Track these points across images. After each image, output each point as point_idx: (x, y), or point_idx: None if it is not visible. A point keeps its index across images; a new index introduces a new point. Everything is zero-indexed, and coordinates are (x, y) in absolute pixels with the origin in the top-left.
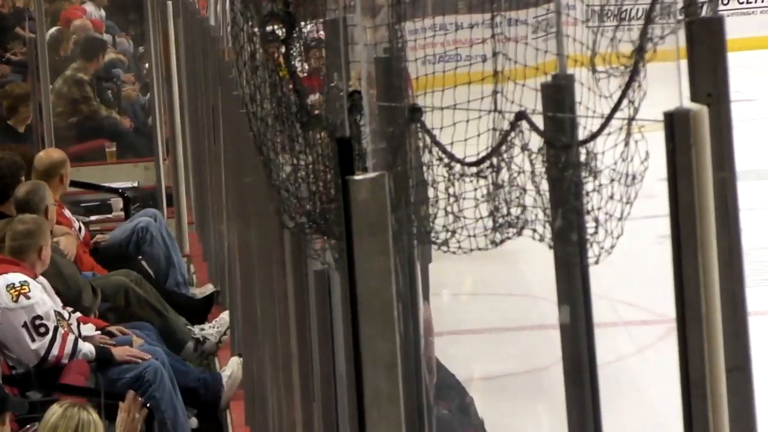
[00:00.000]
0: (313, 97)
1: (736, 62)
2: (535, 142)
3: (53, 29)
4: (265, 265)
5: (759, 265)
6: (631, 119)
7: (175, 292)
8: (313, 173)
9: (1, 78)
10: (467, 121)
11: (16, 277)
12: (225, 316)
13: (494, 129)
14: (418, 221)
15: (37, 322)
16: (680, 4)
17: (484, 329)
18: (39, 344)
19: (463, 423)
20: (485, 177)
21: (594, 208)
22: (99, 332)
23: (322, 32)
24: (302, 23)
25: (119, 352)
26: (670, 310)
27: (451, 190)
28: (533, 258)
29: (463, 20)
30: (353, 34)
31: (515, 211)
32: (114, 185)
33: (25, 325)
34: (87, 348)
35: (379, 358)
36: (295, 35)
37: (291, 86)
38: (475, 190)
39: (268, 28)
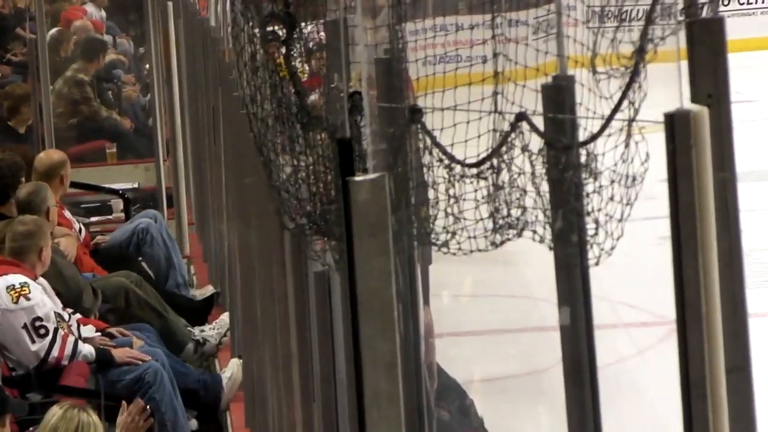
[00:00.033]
0: (313, 97)
1: (737, 63)
2: (536, 143)
3: (54, 30)
4: (266, 267)
5: (759, 267)
6: (631, 120)
7: (175, 293)
8: (314, 174)
9: (2, 79)
10: (467, 122)
11: (16, 279)
12: (225, 317)
13: (494, 130)
14: (419, 222)
15: (37, 323)
16: (681, 5)
17: (485, 331)
18: (39, 346)
19: (463, 425)
20: (485, 178)
21: (594, 210)
22: (99, 334)
23: (322, 33)
24: (303, 24)
25: (119, 353)
26: (670, 311)
27: (451, 192)
28: (533, 259)
29: (463, 21)
30: (354, 34)
31: (515, 212)
32: (114, 186)
33: (25, 326)
34: (87, 349)
35: (379, 358)
36: (295, 36)
37: (291, 87)
38: (476, 191)
39: (269, 29)
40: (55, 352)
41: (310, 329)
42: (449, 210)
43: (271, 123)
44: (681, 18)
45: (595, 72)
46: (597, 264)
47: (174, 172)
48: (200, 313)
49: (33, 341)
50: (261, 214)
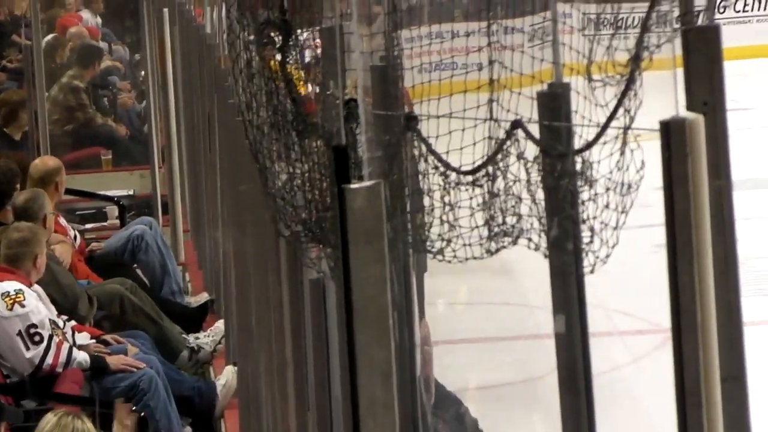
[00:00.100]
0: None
1: (732, 71)
2: (531, 150)
3: (49, 36)
4: (261, 274)
5: (754, 275)
6: (626, 128)
7: (170, 300)
8: (309, 181)
9: None
10: (463, 130)
11: (11, 285)
12: (220, 324)
13: (490, 137)
14: (414, 230)
15: (32, 330)
16: (676, 13)
17: (480, 338)
18: (33, 353)
19: None
20: (481, 186)
21: (589, 217)
22: (94, 341)
23: (318, 40)
24: (299, 31)
25: (114, 360)
26: (665, 319)
27: (446, 199)
28: (528, 267)
29: (459, 28)
30: (349, 42)
31: (511, 220)
32: (109, 193)
33: (19, 333)
34: (82, 357)
35: (374, 366)
36: (291, 43)
37: (287, 94)
38: (471, 198)
39: (265, 36)
40: (49, 359)
41: (305, 337)
42: (444, 217)
43: (266, 130)
44: (677, 26)
45: (590, 79)
46: (592, 272)
47: (169, 179)
48: (195, 320)
49: (27, 348)
50: (256, 222)
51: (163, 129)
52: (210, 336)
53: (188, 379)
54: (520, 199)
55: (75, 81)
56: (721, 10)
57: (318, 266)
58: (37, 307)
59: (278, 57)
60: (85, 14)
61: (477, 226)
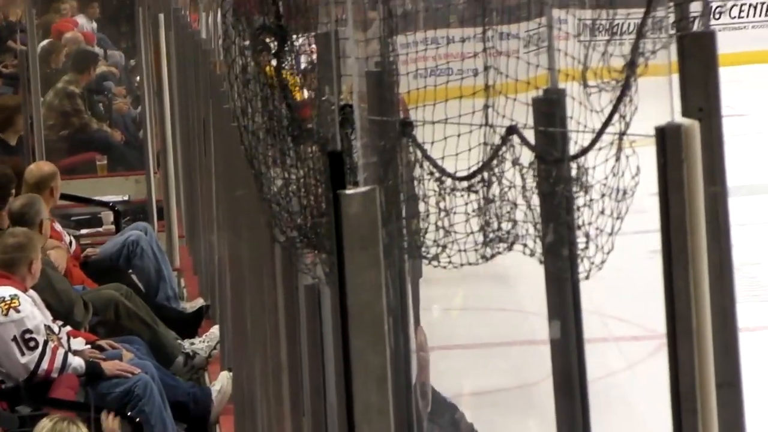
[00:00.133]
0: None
1: (728, 77)
2: (526, 156)
3: (45, 42)
4: (256, 279)
5: (749, 281)
6: (622, 134)
7: (165, 305)
8: (305, 187)
9: None
10: (458, 136)
11: (6, 291)
12: (215, 330)
13: (485, 143)
14: (409, 235)
15: (27, 335)
16: (672, 19)
17: (475, 344)
18: (28, 358)
19: None
20: (476, 191)
21: (585, 223)
22: (89, 346)
23: (313, 45)
24: (294, 37)
25: (109, 366)
26: (660, 325)
27: (441, 205)
28: (524, 273)
29: (454, 34)
30: (345, 47)
31: (506, 225)
32: (104, 198)
33: (14, 338)
34: (77, 362)
35: (369, 371)
36: (286, 49)
37: (282, 100)
38: (466, 204)
39: (260, 41)
40: (44, 365)
41: (300, 342)
42: (440, 223)
43: (262, 135)
44: (672, 32)
45: (585, 85)
46: (587, 277)
47: (164, 185)
48: (190, 325)
49: (22, 354)
50: (251, 227)
51: (159, 134)
52: (205, 341)
53: (183, 384)
54: (516, 204)
55: (70, 86)
56: (717, 16)
57: (313, 272)
58: (32, 312)
59: (274, 62)
60: (81, 19)
61: (472, 232)
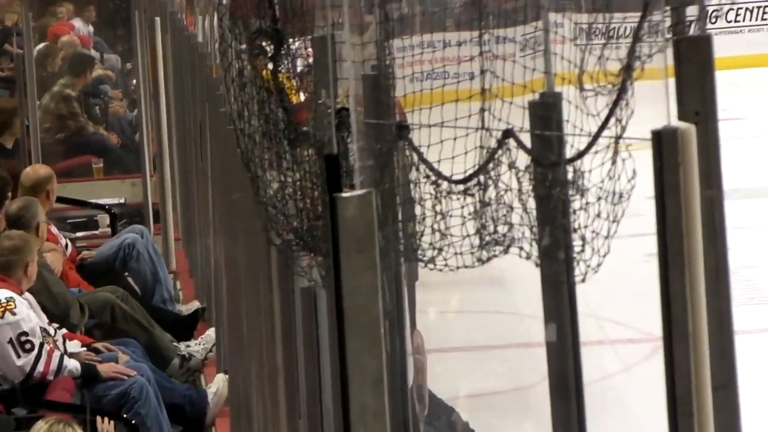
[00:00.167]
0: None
1: (724, 81)
2: (523, 160)
3: (41, 45)
4: (252, 282)
5: (746, 284)
6: (618, 137)
7: (162, 308)
8: (301, 190)
9: None
10: (455, 139)
11: (2, 293)
12: (211, 332)
13: (481, 147)
14: (405, 238)
15: (23, 338)
16: (668, 23)
17: (471, 347)
18: (24, 360)
19: None
20: (472, 194)
21: (581, 226)
22: (85, 349)
23: (310, 49)
24: (290, 40)
25: (105, 368)
26: (656, 328)
27: (438, 208)
28: (520, 276)
29: (451, 38)
30: (341, 51)
31: (502, 228)
32: (101, 201)
33: (10, 341)
34: (72, 364)
35: (365, 374)
36: (283, 52)
37: (279, 103)
38: (462, 207)
39: (257, 45)
40: (40, 367)
41: (297, 345)
42: (436, 226)
43: (258, 139)
44: (668, 35)
45: (582, 89)
46: (583, 281)
47: (161, 188)
48: (186, 328)
49: (18, 356)
50: (248, 230)
51: (155, 137)
52: (201, 344)
53: (179, 387)
54: (512, 208)
55: (66, 89)
56: (713, 20)
57: (309, 275)
58: (28, 315)
59: (270, 66)
60: (77, 23)
61: (468, 235)
